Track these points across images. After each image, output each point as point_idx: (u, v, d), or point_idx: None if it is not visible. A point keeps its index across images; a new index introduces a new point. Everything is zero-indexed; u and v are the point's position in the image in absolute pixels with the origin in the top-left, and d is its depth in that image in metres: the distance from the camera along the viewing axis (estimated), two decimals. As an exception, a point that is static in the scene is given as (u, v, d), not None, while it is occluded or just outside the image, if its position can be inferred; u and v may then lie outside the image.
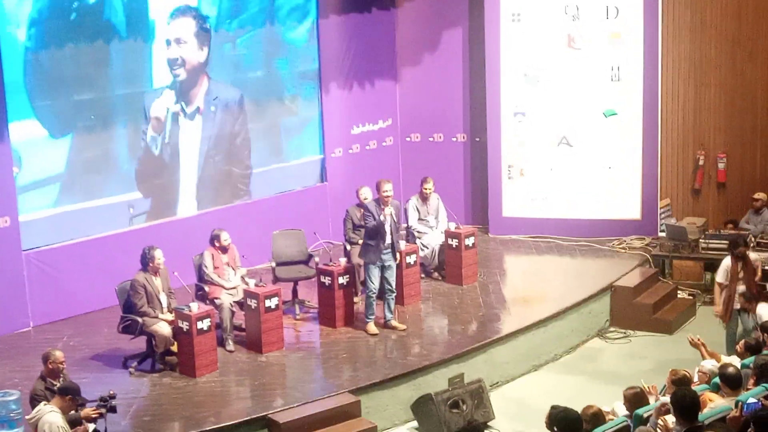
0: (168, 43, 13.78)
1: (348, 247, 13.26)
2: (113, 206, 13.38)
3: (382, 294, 12.35)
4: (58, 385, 8.92)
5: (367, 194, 13.03)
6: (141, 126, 13.56)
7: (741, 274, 11.80)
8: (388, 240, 12.17)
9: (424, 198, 14.00)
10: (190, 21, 14.02)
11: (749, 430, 7.39)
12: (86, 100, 13.03)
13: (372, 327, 12.28)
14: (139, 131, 13.56)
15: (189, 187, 14.24)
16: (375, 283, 12.22)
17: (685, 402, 7.56)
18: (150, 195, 13.79)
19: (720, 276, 12.03)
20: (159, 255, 11.29)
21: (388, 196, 12.15)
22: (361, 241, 12.75)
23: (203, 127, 14.28)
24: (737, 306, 11.64)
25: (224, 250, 12.10)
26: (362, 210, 12.91)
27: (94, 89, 13.12)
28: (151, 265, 11.27)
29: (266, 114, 15.07)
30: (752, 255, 12.28)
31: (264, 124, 15.04)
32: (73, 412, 8.84)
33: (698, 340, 10.11)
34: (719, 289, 12.04)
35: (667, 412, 7.91)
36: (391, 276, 12.34)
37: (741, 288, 11.73)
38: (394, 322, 12.38)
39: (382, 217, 12.02)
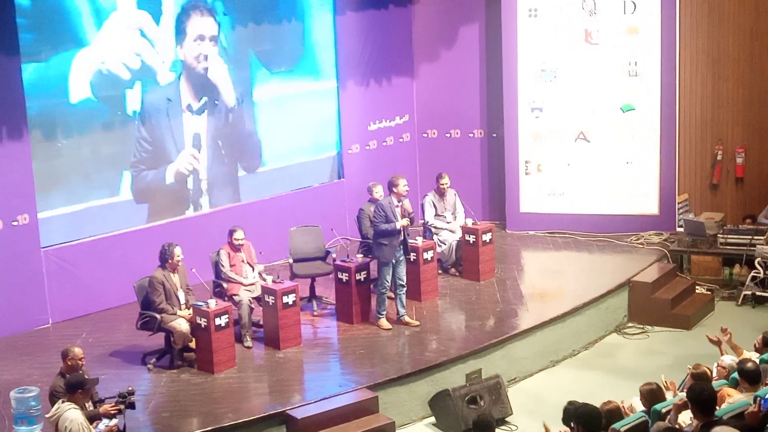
0: (177, 38, 13.83)
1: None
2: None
3: (393, 290, 12.37)
4: (64, 385, 8.94)
5: (380, 193, 13.12)
6: (147, 123, 13.60)
7: None
8: (401, 237, 12.18)
9: (441, 194, 13.99)
10: (200, 16, 14.05)
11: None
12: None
13: (385, 322, 12.29)
14: (145, 128, 13.59)
15: (200, 183, 14.30)
16: (388, 281, 12.23)
17: (702, 397, 7.54)
18: (161, 194, 13.85)
19: None
20: (178, 252, 11.33)
21: (406, 191, 12.16)
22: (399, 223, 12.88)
23: (209, 124, 14.29)
24: None
25: (238, 248, 12.10)
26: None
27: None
28: (170, 261, 11.31)
29: (283, 110, 15.10)
30: None
31: (282, 120, 15.09)
32: (91, 407, 8.90)
33: (716, 338, 10.08)
34: None
35: (686, 407, 7.90)
36: (402, 271, 12.34)
37: None
38: (406, 318, 12.39)
39: (398, 223, 12.03)
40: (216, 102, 14.30)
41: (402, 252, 12.29)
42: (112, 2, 13.05)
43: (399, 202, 12.16)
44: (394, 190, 12.24)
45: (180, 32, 13.83)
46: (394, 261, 12.19)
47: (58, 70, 12.70)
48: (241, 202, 14.62)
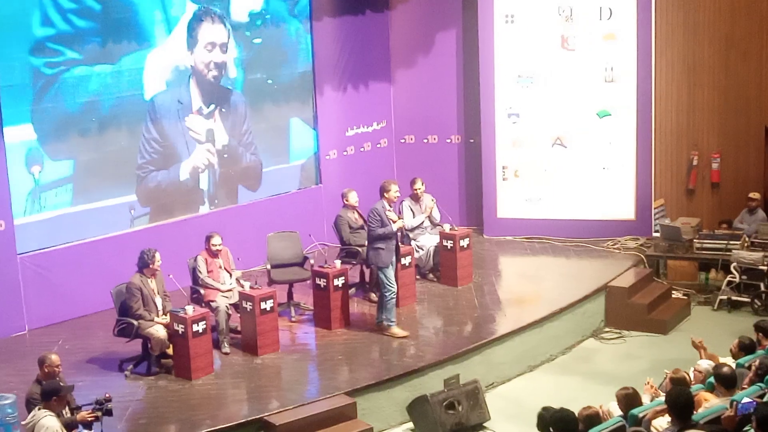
0: (188, 44, 14.03)
1: (360, 251, 13.15)
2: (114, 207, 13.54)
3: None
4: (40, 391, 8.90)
5: (355, 199, 13.16)
6: (153, 127, 13.74)
7: None
8: (394, 241, 12.20)
9: (416, 198, 14.01)
10: (208, 23, 14.24)
11: (748, 427, 7.42)
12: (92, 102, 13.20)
13: (398, 330, 12.24)
14: (150, 132, 13.74)
15: (204, 186, 14.46)
16: (394, 285, 12.18)
17: (679, 401, 7.58)
18: (165, 196, 14.01)
19: None
20: (158, 257, 11.31)
21: (397, 197, 12.21)
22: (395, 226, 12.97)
23: (217, 127, 14.47)
24: None
25: (216, 254, 12.09)
26: (357, 212, 13.02)
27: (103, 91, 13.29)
28: (150, 267, 11.28)
29: (264, 116, 15.13)
30: None
31: (262, 126, 15.11)
32: (68, 414, 8.86)
33: (700, 342, 10.13)
34: None
35: (663, 413, 7.94)
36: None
37: None
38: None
39: (394, 225, 12.05)
40: (223, 109, 14.52)
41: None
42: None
43: (390, 206, 12.15)
44: (386, 195, 12.22)
45: (191, 38, 14.05)
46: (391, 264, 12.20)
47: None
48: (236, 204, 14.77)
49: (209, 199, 14.50)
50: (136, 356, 11.44)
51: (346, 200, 13.44)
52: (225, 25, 14.36)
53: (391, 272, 12.16)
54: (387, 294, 12.17)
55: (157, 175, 13.85)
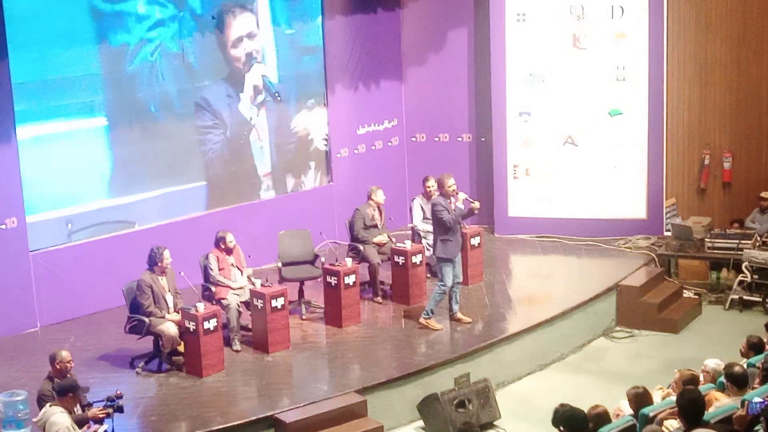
0: (235, 36, 14.39)
1: (362, 248, 13.25)
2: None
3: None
4: (56, 386, 8.93)
5: (381, 197, 13.38)
6: (206, 118, 14.14)
7: None
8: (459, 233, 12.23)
9: (428, 197, 14.01)
10: (250, 15, 14.55)
11: (759, 426, 7.40)
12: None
13: (435, 322, 12.29)
14: (203, 123, 14.16)
15: (263, 174, 14.88)
16: (450, 280, 12.19)
17: (690, 403, 7.56)
18: (222, 184, 14.45)
19: None
20: (167, 255, 11.34)
21: (453, 190, 12.15)
22: (376, 239, 13.21)
23: (269, 117, 14.89)
24: None
25: (229, 251, 12.13)
26: (378, 210, 13.36)
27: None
28: (159, 264, 11.31)
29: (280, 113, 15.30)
30: None
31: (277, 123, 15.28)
32: (80, 412, 8.89)
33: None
34: None
35: (674, 415, 7.92)
36: (460, 268, 12.37)
37: None
38: (459, 314, 12.44)
39: (452, 212, 12.05)
40: (266, 98, 14.91)
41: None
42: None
43: (448, 199, 12.16)
44: (444, 189, 12.19)
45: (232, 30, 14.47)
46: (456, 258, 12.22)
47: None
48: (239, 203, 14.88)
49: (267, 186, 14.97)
50: (147, 353, 11.47)
51: (373, 197, 13.47)
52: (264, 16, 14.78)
53: (450, 268, 12.14)
54: (441, 286, 12.22)
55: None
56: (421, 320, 12.34)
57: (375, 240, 13.36)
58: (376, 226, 13.44)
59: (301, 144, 15.42)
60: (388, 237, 13.55)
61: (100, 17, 13.07)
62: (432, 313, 12.32)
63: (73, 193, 13.03)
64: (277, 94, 14.89)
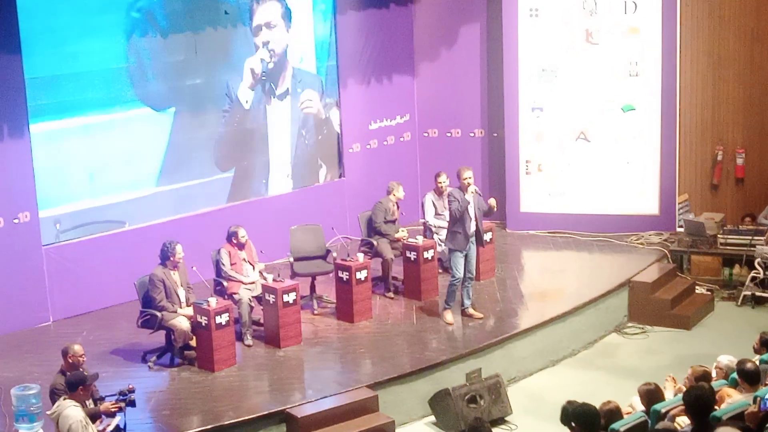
0: (258, 27, 14.51)
1: (375, 243, 13.26)
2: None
3: None
4: (65, 381, 8.95)
5: (401, 193, 13.42)
6: (228, 108, 14.27)
7: None
8: (473, 227, 12.18)
9: (440, 192, 14.00)
10: (276, 5, 14.68)
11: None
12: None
13: (449, 316, 12.33)
14: (227, 114, 14.26)
15: (282, 166, 15.00)
16: (460, 271, 12.21)
17: (695, 399, 7.56)
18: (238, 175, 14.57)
19: None
20: (180, 250, 11.35)
21: (468, 183, 12.13)
22: (398, 234, 13.28)
23: (293, 108, 15.05)
24: None
25: (241, 246, 12.14)
26: (397, 205, 13.39)
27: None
28: (171, 259, 11.33)
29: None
30: None
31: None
32: (92, 405, 8.91)
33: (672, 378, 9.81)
34: None
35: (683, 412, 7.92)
36: (473, 263, 12.38)
37: None
38: (471, 310, 12.45)
39: (466, 202, 12.04)
40: (290, 88, 15.07)
41: (475, 243, 12.32)
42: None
43: (464, 192, 12.14)
44: (461, 181, 12.19)
45: (258, 21, 14.59)
46: (465, 251, 12.20)
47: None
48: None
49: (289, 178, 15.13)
50: (160, 347, 11.49)
51: (395, 192, 13.49)
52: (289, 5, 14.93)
53: (461, 259, 12.15)
54: (451, 279, 12.26)
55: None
56: (442, 312, 12.47)
57: (397, 235, 13.35)
58: (394, 221, 13.46)
59: (317, 139, 15.43)
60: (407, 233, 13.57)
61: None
62: (449, 304, 12.36)
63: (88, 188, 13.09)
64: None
